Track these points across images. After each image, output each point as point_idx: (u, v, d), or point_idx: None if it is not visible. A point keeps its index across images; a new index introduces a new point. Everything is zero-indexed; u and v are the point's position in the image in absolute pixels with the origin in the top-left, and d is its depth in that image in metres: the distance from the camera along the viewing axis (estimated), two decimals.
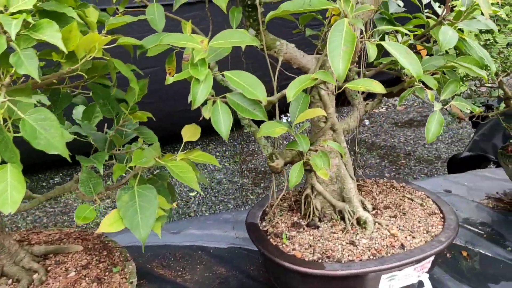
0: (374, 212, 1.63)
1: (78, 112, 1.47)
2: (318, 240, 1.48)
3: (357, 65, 1.83)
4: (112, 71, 1.13)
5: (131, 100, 1.29)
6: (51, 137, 0.91)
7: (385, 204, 1.68)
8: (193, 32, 1.32)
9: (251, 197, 3.97)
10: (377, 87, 1.12)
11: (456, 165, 3.22)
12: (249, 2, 1.30)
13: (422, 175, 4.51)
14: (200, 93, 1.00)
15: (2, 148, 0.91)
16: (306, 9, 0.96)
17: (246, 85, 1.02)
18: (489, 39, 1.80)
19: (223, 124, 1.03)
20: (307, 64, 1.44)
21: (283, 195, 1.74)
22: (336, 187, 1.59)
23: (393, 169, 4.65)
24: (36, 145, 0.90)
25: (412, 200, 1.71)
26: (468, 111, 1.55)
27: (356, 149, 1.67)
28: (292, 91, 1.03)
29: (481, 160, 3.05)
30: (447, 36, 1.42)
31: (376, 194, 1.75)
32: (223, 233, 1.96)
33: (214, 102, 1.08)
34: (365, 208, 1.62)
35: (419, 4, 1.77)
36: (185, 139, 1.34)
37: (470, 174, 2.44)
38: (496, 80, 1.73)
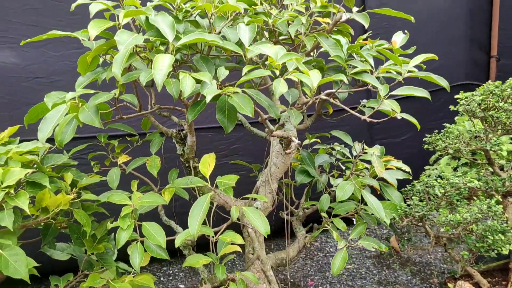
0: None
1: None
2: None
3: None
4: (81, 221, 1.63)
5: (99, 234, 1.79)
6: (18, 266, 1.40)
7: None
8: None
9: None
10: (239, 239, 1.52)
11: None
12: (186, 165, 1.80)
13: None
14: (122, 237, 1.47)
15: None
16: (189, 185, 1.42)
17: (153, 232, 1.47)
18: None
19: (136, 260, 1.47)
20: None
21: None
22: None
23: None
24: (7, 272, 1.39)
25: None
26: (374, 249, 1.87)
27: (289, 276, 2.00)
28: (179, 240, 1.46)
29: None
30: (343, 191, 1.81)
31: None
32: None
33: (137, 242, 1.54)
34: None
35: (349, 156, 2.18)
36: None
37: None
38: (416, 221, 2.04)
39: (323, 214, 1.95)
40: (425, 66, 2.09)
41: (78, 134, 1.98)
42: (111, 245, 1.84)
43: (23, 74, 2.72)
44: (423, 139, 2.26)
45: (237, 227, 1.87)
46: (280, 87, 1.30)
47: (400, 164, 1.99)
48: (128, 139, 1.94)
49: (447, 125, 2.13)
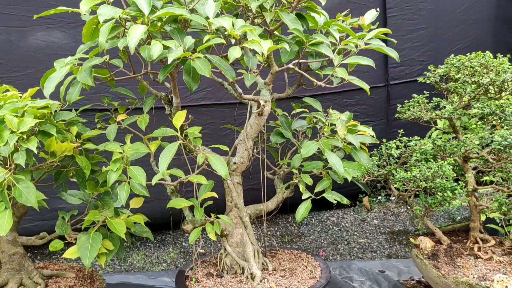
0: (272, 271, 2.21)
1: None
2: (217, 285, 2.11)
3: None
4: (81, 165, 1.98)
5: (101, 179, 2.13)
6: (29, 196, 1.76)
7: (284, 267, 2.26)
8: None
9: None
10: (203, 180, 1.82)
11: None
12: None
13: None
14: (112, 177, 1.81)
15: (5, 201, 1.78)
16: (164, 134, 1.74)
17: (137, 174, 1.80)
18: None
19: (123, 195, 1.81)
20: None
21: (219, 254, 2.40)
22: (241, 250, 2.22)
23: None
24: (20, 200, 1.75)
25: (306, 267, 2.26)
26: (336, 202, 2.13)
27: (265, 225, 2.30)
28: (155, 180, 1.77)
29: None
30: (307, 149, 2.07)
31: (283, 260, 2.33)
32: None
33: (126, 183, 1.87)
34: (266, 268, 2.22)
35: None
36: (131, 206, 2.13)
37: (410, 261, 2.83)
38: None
39: (294, 171, 2.22)
40: (396, 42, 2.30)
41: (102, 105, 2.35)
42: (110, 189, 2.18)
43: (59, 51, 3.12)
44: (397, 109, 2.47)
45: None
46: (234, 53, 1.58)
47: (366, 129, 2.22)
48: (127, 100, 2.28)
49: (415, 95, 2.33)
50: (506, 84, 2.13)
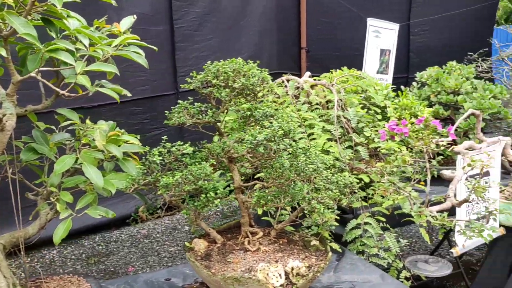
0: None
1: None
2: None
3: None
4: None
5: None
6: None
7: None
8: None
9: None
10: None
11: None
12: None
13: None
14: None
15: None
16: None
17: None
18: None
19: None
20: None
21: None
22: None
23: None
24: None
25: None
26: (100, 216, 2.02)
27: (23, 253, 2.05)
28: None
29: None
30: (62, 164, 1.92)
31: None
32: None
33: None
34: None
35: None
36: None
37: None
38: None
39: (53, 189, 2.04)
40: (157, 49, 2.29)
41: None
42: None
43: None
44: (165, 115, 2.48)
45: None
46: None
47: (131, 138, 2.17)
48: None
49: (180, 101, 2.37)
50: (257, 87, 2.31)
